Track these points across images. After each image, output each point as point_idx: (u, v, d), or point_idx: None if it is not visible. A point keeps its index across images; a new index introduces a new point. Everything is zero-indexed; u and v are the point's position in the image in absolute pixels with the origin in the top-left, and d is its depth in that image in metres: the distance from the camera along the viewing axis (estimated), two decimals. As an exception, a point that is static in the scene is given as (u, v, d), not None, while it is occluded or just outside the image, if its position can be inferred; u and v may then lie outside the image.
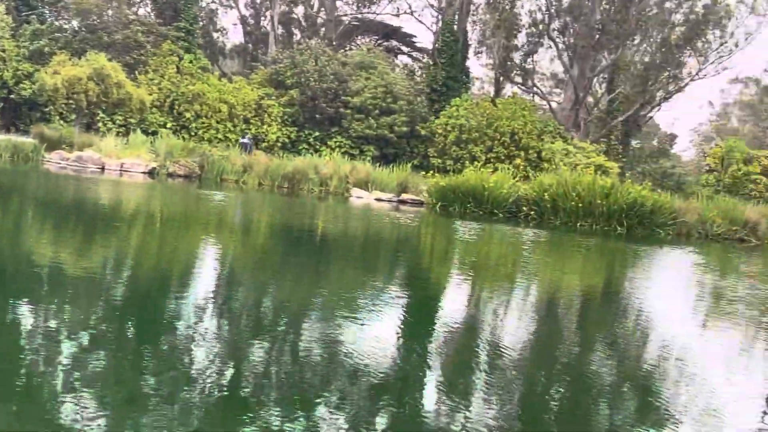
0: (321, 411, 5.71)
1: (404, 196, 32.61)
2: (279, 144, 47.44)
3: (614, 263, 20.47)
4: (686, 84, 58.56)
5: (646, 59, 57.80)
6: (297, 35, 71.35)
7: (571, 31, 54.79)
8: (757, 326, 12.41)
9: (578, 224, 29.35)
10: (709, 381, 8.21)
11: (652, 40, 56.87)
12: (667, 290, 16.12)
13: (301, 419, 5.48)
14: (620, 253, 22.96)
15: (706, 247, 28.18)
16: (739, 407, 7.32)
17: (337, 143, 47.10)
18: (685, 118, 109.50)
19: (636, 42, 56.74)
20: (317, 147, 47.46)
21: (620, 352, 9.40)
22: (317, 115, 48.00)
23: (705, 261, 23.71)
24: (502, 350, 8.45)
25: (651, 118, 67.85)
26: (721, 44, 56.51)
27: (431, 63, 56.53)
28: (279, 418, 5.47)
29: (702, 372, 8.62)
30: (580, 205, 29.65)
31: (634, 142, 64.52)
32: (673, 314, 12.89)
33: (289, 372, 6.72)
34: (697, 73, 57.67)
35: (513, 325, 10.18)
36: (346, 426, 5.46)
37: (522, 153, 45.76)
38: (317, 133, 48.17)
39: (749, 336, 11.51)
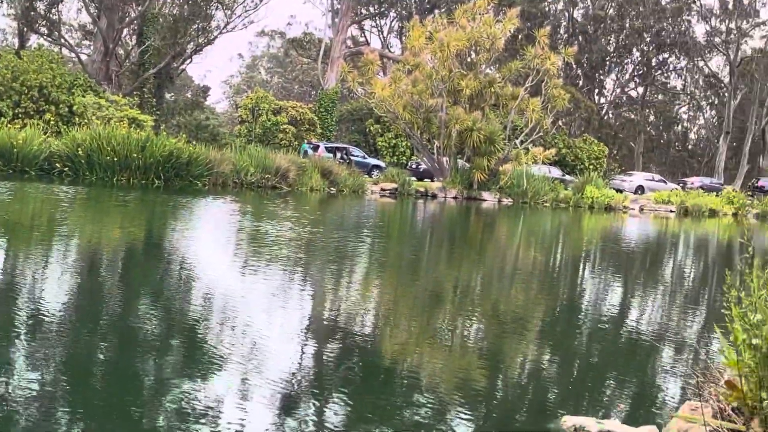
0: None
1: None
2: None
3: (155, 216, 20.46)
4: (216, 37, 59.80)
5: (175, 11, 57.99)
6: None
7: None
8: (294, 266, 13.19)
9: (115, 179, 28.86)
10: (253, 322, 8.57)
11: (180, -8, 57.17)
12: (209, 238, 16.50)
13: None
14: (160, 205, 23.02)
15: (242, 196, 29.28)
16: (280, 345, 7.73)
17: None
18: (217, 70, 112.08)
19: (164, -6, 56.67)
20: None
21: (167, 303, 9.45)
22: None
23: (242, 208, 24.63)
24: (44, 313, 8.07)
25: (183, 70, 68.41)
26: (246, -2, 58.46)
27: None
28: None
29: (245, 315, 8.96)
30: (116, 159, 29.12)
31: (167, 95, 64.62)
32: (218, 260, 13.24)
33: None
34: (225, 26, 59.12)
35: (54, 286, 9.76)
36: None
37: (52, 107, 43.68)
38: None
39: (288, 276, 12.21)
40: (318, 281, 12.12)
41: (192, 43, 59.17)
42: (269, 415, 5.66)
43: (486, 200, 41.22)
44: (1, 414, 5.16)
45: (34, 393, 5.59)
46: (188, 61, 62.47)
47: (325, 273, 12.98)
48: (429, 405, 6.15)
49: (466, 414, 6.02)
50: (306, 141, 51.32)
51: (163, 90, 59.55)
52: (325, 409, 5.90)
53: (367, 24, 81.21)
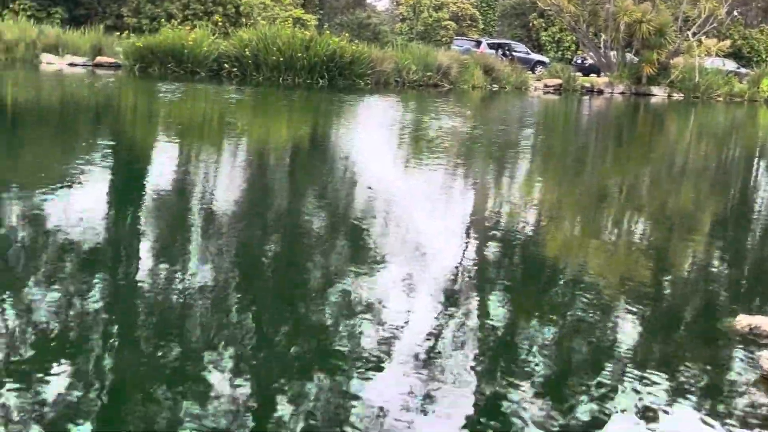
0: (29, 289, 5.42)
1: (100, 60, 30.85)
2: (-49, 9, 43.09)
3: (321, 114, 20.78)
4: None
5: None
6: None
7: None
8: (456, 164, 13.17)
9: (281, 79, 29.33)
10: (415, 220, 8.65)
11: None
12: (373, 136, 16.63)
13: (4, 296, 5.19)
14: (325, 104, 23.34)
15: (405, 94, 29.30)
16: (442, 242, 7.79)
17: (21, 6, 43.51)
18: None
19: None
20: (-3, 11, 43.58)
21: (331, 200, 9.65)
22: (-7, -23, 43.94)
23: (405, 106, 24.69)
24: (217, 209, 8.40)
25: (344, -31, 68.25)
26: None
27: None
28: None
29: (408, 212, 9.05)
30: (282, 59, 29.53)
31: (330, -6, 64.79)
32: (381, 158, 13.35)
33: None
34: None
35: (225, 183, 10.12)
36: (58, 301, 5.23)
37: (220, 8, 44.57)
38: (-5, -4, 44.19)
39: (450, 174, 12.21)
40: (484, 177, 12.07)
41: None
42: (432, 309, 5.73)
43: (655, 95, 39.71)
44: (180, 300, 5.44)
45: (209, 284, 5.85)
46: (351, -41, 62.22)
47: (492, 169, 12.91)
48: (592, 304, 6.08)
49: (631, 313, 5.91)
50: (456, 37, 50.44)
51: (325, -11, 59.68)
52: (487, 304, 5.93)
53: None
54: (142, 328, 4.97)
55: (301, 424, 3.85)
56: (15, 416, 3.68)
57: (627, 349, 5.20)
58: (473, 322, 5.55)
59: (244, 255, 6.81)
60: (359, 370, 4.49)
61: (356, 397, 4.16)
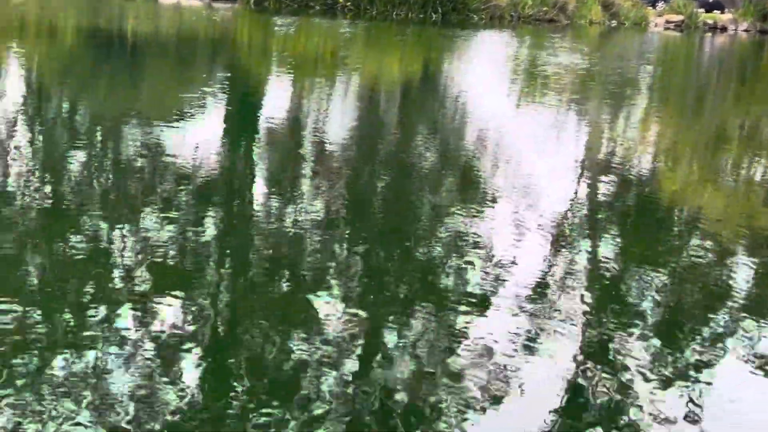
0: (147, 217, 5.59)
1: (216, -6, 31.34)
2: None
3: (434, 49, 20.63)
4: None
5: None
6: None
7: None
8: (572, 101, 12.93)
9: (394, 13, 29.17)
10: (526, 159, 8.56)
11: None
12: (487, 72, 16.44)
13: (125, 225, 5.37)
14: (438, 38, 23.16)
15: (519, 29, 28.80)
16: (552, 180, 7.69)
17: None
18: None
19: None
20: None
21: (443, 137, 9.62)
22: None
23: (521, 42, 24.29)
24: (328, 144, 8.48)
25: None
26: None
27: None
28: (104, 225, 5.33)
29: (519, 150, 8.96)
30: (396, -7, 29.41)
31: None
32: (496, 95, 13.21)
33: (112, 182, 6.52)
34: None
35: (338, 117, 10.19)
36: (175, 229, 5.38)
37: (335, -58, 44.44)
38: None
39: (566, 111, 12.00)
40: (601, 115, 11.83)
41: None
42: (541, 249, 5.68)
43: (782, 33, 38.05)
44: (288, 233, 5.54)
45: (318, 217, 5.92)
46: None
47: (609, 107, 12.65)
48: (707, 248, 5.92)
49: (748, 259, 5.74)
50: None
51: None
52: (598, 245, 5.84)
53: None
54: (251, 260, 5.08)
55: (405, 360, 3.89)
56: (128, 341, 3.82)
57: (742, 296, 5.06)
58: (583, 263, 5.48)
59: (353, 190, 6.87)
60: (465, 308, 4.50)
61: (461, 336, 4.17)
